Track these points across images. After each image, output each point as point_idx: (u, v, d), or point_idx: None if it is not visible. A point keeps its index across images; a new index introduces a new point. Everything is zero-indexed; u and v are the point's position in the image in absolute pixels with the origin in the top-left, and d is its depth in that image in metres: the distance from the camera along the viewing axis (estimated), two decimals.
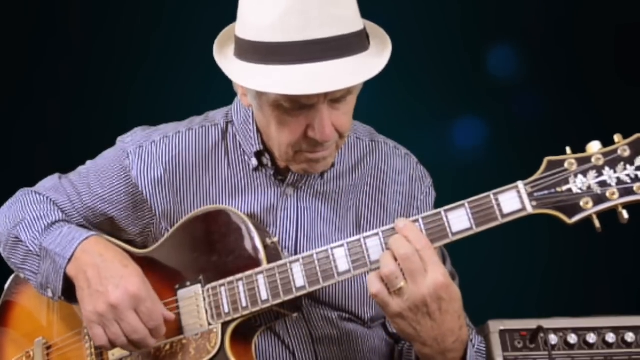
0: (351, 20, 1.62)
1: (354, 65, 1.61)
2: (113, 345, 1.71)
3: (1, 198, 2.17)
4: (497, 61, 3.12)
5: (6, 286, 2.02)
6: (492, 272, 2.91)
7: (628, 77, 3.03)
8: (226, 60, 1.70)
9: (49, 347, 1.92)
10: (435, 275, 1.52)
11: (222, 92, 1.90)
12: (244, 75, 1.64)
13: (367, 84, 1.68)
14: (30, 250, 1.83)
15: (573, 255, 2.91)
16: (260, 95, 1.67)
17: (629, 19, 3.04)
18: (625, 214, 1.53)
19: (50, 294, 1.80)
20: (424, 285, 1.52)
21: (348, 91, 1.65)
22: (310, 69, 1.58)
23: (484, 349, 1.83)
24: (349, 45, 1.61)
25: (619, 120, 2.82)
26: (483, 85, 3.05)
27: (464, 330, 1.60)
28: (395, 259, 1.54)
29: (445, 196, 1.73)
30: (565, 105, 3.04)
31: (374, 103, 2.18)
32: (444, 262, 1.94)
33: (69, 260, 1.75)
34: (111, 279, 1.69)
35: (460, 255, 1.95)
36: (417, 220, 1.59)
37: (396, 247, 1.54)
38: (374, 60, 1.64)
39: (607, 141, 1.57)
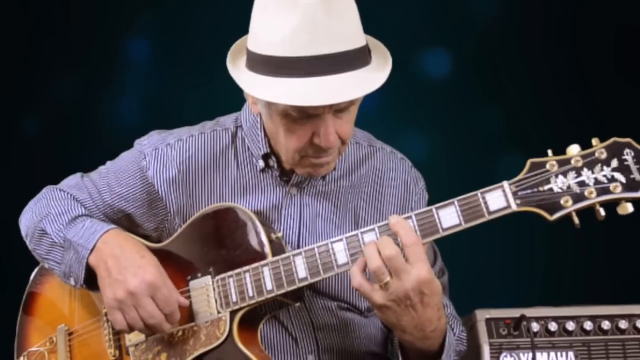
0: (355, 37, 1.70)
1: (357, 78, 1.69)
2: (131, 329, 1.78)
3: (1, 198, 2.23)
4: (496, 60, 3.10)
5: (31, 277, 2.09)
6: (482, 266, 2.93)
7: (628, 77, 3.01)
8: (238, 71, 1.77)
9: (70, 334, 2.00)
10: (419, 272, 1.60)
11: (221, 94, 1.97)
12: (256, 86, 1.72)
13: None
14: (55, 242, 1.91)
15: (556, 250, 2.92)
16: (269, 104, 1.75)
17: (629, 19, 3.02)
18: (602, 212, 1.60)
19: (72, 282, 1.87)
20: (408, 280, 1.59)
21: (351, 102, 1.73)
22: (317, 82, 1.66)
23: (465, 337, 1.90)
24: (352, 60, 1.69)
25: (619, 120, 2.80)
26: (480, 85, 3.06)
27: (442, 320, 1.68)
28: (380, 255, 1.61)
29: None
30: (566, 105, 3.02)
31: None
32: (435, 259, 2.00)
33: (91, 250, 1.82)
34: (129, 268, 1.77)
35: (451, 250, 2.01)
36: (410, 217, 1.66)
37: (383, 246, 1.61)
38: (376, 74, 1.72)
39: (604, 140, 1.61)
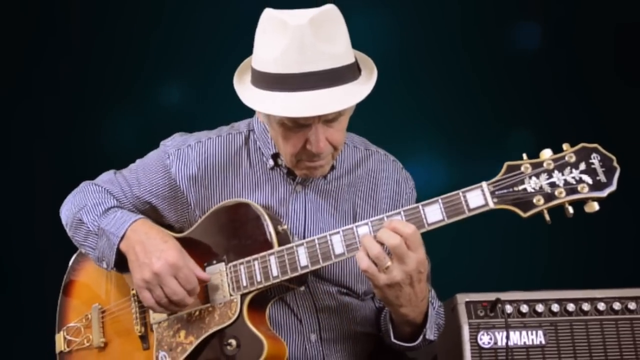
0: (342, 56, 1.88)
1: (342, 92, 1.86)
2: (158, 305, 1.95)
3: (1, 197, 2.32)
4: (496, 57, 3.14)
5: (70, 263, 2.27)
6: (464, 255, 3.08)
7: (628, 77, 3.06)
8: (243, 85, 1.97)
9: (103, 312, 2.18)
10: (419, 255, 1.80)
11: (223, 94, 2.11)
12: (254, 99, 1.92)
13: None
14: (90, 230, 2.09)
15: (533, 241, 3.04)
16: (268, 114, 1.94)
17: (629, 18, 3.06)
18: (570, 210, 1.77)
19: (105, 266, 2.06)
20: (411, 264, 1.78)
21: (339, 113, 1.90)
22: (306, 96, 1.84)
23: (442, 312, 2.09)
24: (339, 76, 1.86)
25: (619, 120, 2.84)
26: (479, 83, 3.12)
27: (427, 290, 1.90)
28: (378, 241, 1.78)
29: None
30: (565, 105, 3.07)
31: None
32: None
33: (121, 238, 2.01)
34: (154, 252, 1.95)
35: (440, 242, 2.13)
36: (399, 213, 1.84)
37: (386, 237, 1.78)
38: (361, 87, 1.89)
39: (604, 141, 1.74)
